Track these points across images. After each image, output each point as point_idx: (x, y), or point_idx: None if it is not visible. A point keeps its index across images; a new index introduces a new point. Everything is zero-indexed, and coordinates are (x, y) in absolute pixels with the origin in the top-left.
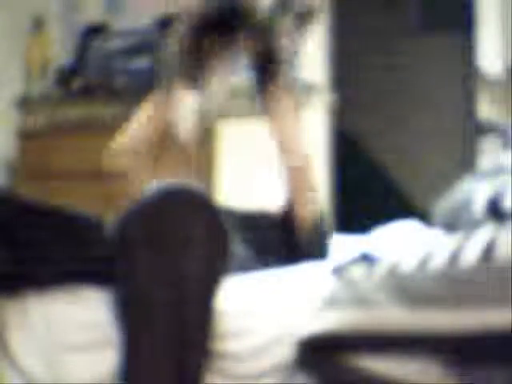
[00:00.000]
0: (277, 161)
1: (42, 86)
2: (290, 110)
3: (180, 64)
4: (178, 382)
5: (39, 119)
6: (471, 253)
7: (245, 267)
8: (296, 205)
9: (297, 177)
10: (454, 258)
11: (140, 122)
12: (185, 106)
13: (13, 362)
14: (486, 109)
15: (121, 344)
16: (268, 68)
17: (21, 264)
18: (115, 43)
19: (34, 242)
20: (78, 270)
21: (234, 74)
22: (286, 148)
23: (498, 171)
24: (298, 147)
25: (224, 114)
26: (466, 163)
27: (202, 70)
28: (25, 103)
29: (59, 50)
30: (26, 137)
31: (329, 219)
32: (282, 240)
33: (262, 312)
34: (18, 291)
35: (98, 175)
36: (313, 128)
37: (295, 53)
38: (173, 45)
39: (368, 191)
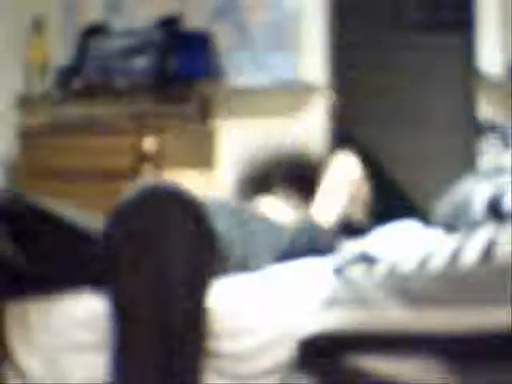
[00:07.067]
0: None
1: (42, 85)
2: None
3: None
4: (168, 381)
5: (39, 119)
6: (471, 253)
7: (244, 267)
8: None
9: None
10: (454, 258)
11: None
12: None
13: (13, 362)
14: (486, 109)
15: (112, 343)
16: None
17: (33, 268)
18: (115, 43)
19: (43, 249)
20: (79, 275)
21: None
22: None
23: (498, 171)
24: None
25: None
26: (466, 163)
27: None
28: (25, 103)
29: (59, 50)
30: (26, 137)
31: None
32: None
33: (261, 312)
34: (22, 293)
35: (98, 175)
36: (313, 128)
37: None
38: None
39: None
